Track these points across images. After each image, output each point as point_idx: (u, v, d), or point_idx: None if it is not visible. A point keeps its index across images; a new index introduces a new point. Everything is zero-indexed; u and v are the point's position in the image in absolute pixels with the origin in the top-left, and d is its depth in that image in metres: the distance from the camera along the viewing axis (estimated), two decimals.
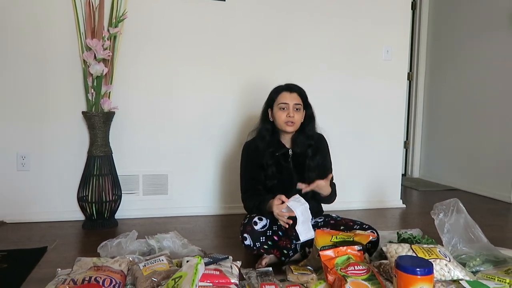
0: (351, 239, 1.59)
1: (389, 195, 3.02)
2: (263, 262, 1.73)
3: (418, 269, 1.22)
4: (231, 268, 1.46)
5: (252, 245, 1.73)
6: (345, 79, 2.88)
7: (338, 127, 2.84)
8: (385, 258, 1.56)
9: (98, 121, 2.35)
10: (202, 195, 2.72)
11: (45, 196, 2.47)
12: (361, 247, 1.55)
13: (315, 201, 1.88)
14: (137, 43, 2.54)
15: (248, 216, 1.84)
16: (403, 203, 3.04)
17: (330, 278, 1.42)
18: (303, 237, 1.68)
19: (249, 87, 2.70)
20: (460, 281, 1.39)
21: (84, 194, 2.36)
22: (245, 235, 1.74)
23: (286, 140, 1.95)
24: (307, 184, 1.78)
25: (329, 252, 1.51)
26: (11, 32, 2.38)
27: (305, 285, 1.49)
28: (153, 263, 1.50)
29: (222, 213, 2.71)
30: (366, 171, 2.96)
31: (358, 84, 2.90)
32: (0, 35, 2.37)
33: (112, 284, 1.37)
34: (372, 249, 1.74)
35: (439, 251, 1.49)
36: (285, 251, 1.74)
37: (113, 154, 2.45)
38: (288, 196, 1.74)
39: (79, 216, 2.46)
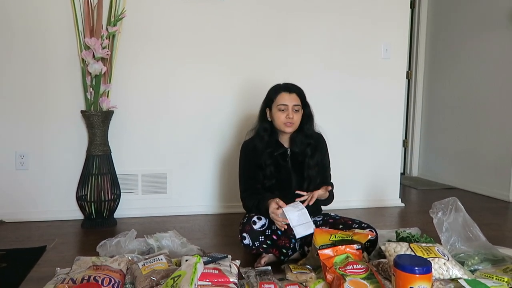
0: (350, 238, 1.59)
1: (388, 194, 3.02)
2: (262, 261, 1.73)
3: (416, 268, 1.22)
4: (230, 267, 1.47)
5: (251, 244, 1.73)
6: (344, 78, 2.87)
7: (337, 126, 2.85)
8: (384, 257, 1.56)
9: (97, 120, 2.35)
10: (201, 194, 2.72)
11: (44, 195, 2.47)
12: (360, 246, 1.56)
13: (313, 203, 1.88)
14: (136, 42, 2.53)
15: (247, 215, 1.84)
16: (401, 202, 3.05)
17: (329, 277, 1.42)
18: (299, 234, 1.68)
19: (248, 86, 2.70)
20: (458, 280, 1.39)
21: (83, 193, 2.36)
22: (244, 234, 1.74)
23: (285, 140, 1.94)
24: (306, 192, 1.79)
25: (328, 251, 1.51)
26: (9, 31, 2.37)
27: (304, 284, 1.49)
28: (152, 262, 1.50)
29: (221, 212, 2.71)
30: (364, 170, 2.96)
31: (357, 83, 2.90)
32: None
33: (111, 283, 1.37)
34: (370, 248, 1.75)
35: (437, 250, 1.49)
36: (284, 250, 1.75)
37: (112, 153, 2.45)
38: (287, 197, 1.74)
39: (78, 215, 2.46)
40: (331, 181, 2.02)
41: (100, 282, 1.35)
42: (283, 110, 1.85)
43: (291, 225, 1.68)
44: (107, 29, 2.35)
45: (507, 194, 3.17)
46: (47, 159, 2.47)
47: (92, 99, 2.36)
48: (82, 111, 2.40)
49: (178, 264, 1.54)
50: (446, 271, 1.43)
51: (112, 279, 1.39)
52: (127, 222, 2.45)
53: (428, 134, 4.20)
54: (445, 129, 3.92)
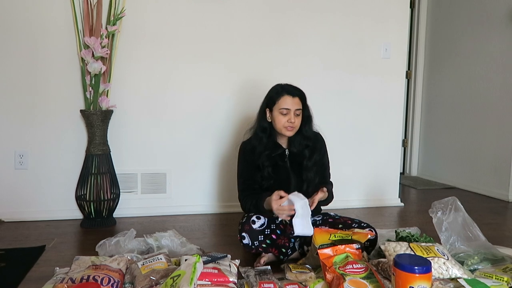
0: (350, 238, 1.59)
1: (388, 194, 3.02)
2: (262, 261, 1.73)
3: (416, 267, 1.22)
4: (230, 267, 1.46)
5: (250, 244, 1.73)
6: (343, 77, 2.87)
7: (336, 125, 2.85)
8: (384, 256, 1.56)
9: (96, 119, 2.35)
10: (201, 193, 2.71)
11: (43, 195, 2.47)
12: (359, 246, 1.56)
13: None
14: (136, 41, 2.53)
15: (246, 215, 1.84)
16: (401, 201, 3.05)
17: (329, 276, 1.42)
18: (298, 230, 1.66)
19: (248, 85, 2.69)
20: (458, 280, 1.39)
21: (82, 193, 2.36)
22: (244, 234, 1.74)
23: (283, 140, 1.94)
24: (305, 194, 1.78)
25: (328, 251, 1.51)
26: (8, 30, 2.37)
27: (303, 283, 1.49)
28: (151, 261, 1.50)
29: (220, 211, 2.71)
30: (364, 169, 2.96)
31: (356, 82, 2.89)
32: None
33: (111, 283, 1.37)
34: (370, 247, 1.75)
35: (437, 249, 1.49)
36: (283, 250, 1.74)
37: (111, 153, 2.44)
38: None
39: (77, 214, 2.46)
40: (331, 180, 2.02)
41: (99, 282, 1.34)
42: (285, 114, 1.84)
43: (296, 211, 1.64)
44: (106, 28, 2.35)
45: (506, 193, 3.18)
46: (46, 159, 2.46)
47: (91, 98, 2.36)
48: (81, 111, 2.40)
49: (178, 264, 1.53)
50: (446, 270, 1.43)
51: (111, 278, 1.38)
52: (127, 221, 2.45)
53: (427, 133, 4.20)
54: (445, 129, 3.92)
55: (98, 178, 2.36)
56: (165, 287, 1.26)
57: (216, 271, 1.38)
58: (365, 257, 1.60)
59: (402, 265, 1.24)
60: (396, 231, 1.88)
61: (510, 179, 3.15)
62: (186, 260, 1.36)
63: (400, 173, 3.17)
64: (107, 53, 2.33)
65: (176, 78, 2.62)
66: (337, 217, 1.91)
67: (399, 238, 1.81)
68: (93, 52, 2.30)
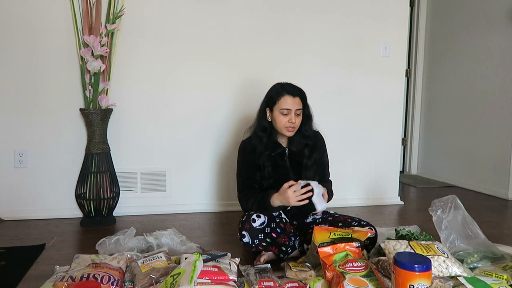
0: (349, 236, 1.59)
1: (387, 192, 3.02)
2: (262, 259, 1.73)
3: (416, 266, 1.22)
4: (230, 265, 1.46)
5: (250, 243, 1.73)
6: (343, 75, 2.87)
7: (336, 123, 2.85)
8: (383, 254, 1.56)
9: (96, 118, 2.35)
10: (201, 192, 2.72)
11: (42, 193, 2.47)
12: (359, 244, 1.56)
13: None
14: (135, 39, 2.53)
15: (246, 213, 1.83)
16: (401, 200, 3.05)
17: (329, 274, 1.42)
18: (321, 207, 1.71)
19: (248, 84, 2.69)
20: (458, 278, 1.40)
21: (82, 191, 2.36)
22: (244, 232, 1.74)
23: (283, 139, 1.93)
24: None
25: (327, 249, 1.51)
26: (8, 29, 2.37)
27: (303, 281, 1.49)
28: (151, 260, 1.50)
29: (220, 210, 2.71)
30: (364, 168, 2.96)
31: (356, 81, 2.89)
32: None
33: (111, 281, 1.37)
34: (370, 245, 1.75)
35: (437, 247, 1.49)
36: (283, 248, 1.75)
37: (111, 151, 2.44)
38: None
39: (77, 213, 2.46)
40: (330, 178, 2.02)
41: (99, 280, 1.34)
42: (285, 114, 1.83)
43: (313, 190, 1.69)
44: (106, 26, 2.35)
45: (506, 192, 3.18)
46: (46, 157, 2.46)
47: (91, 97, 2.36)
48: (81, 109, 2.39)
49: (178, 262, 1.54)
50: (446, 268, 1.43)
51: (111, 277, 1.38)
52: (126, 220, 2.45)
53: (427, 132, 4.20)
54: (444, 127, 3.92)
55: (98, 177, 2.36)
56: (165, 285, 1.26)
57: (216, 269, 1.38)
58: (365, 255, 1.60)
59: (402, 263, 1.24)
60: (396, 230, 1.89)
61: (510, 178, 3.16)
62: (186, 258, 1.36)
63: (400, 172, 3.18)
64: (106, 52, 2.33)
65: (176, 76, 2.62)
66: (337, 215, 1.91)
67: (399, 237, 1.81)
68: (92, 51, 2.30)
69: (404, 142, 4.35)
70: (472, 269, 1.56)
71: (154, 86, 2.59)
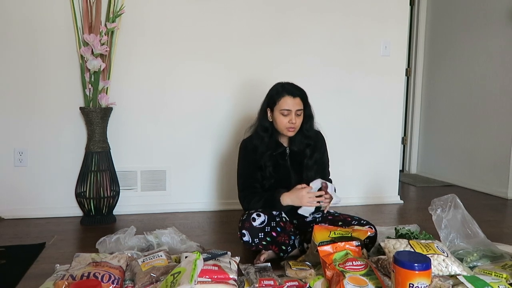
0: (349, 235, 1.59)
1: (387, 191, 3.02)
2: (262, 258, 1.73)
3: (416, 264, 1.22)
4: (230, 264, 1.47)
5: (250, 241, 1.73)
6: (343, 75, 2.87)
7: (336, 123, 2.85)
8: (383, 253, 1.57)
9: (96, 116, 2.35)
10: (201, 191, 2.72)
11: (42, 192, 2.47)
12: (359, 243, 1.56)
13: None
14: (135, 38, 2.53)
15: (246, 212, 1.83)
16: (400, 199, 3.05)
17: (329, 273, 1.42)
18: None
19: (248, 84, 2.69)
20: (457, 276, 1.40)
21: (82, 190, 2.36)
22: (244, 231, 1.74)
23: (284, 139, 1.93)
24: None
25: (327, 248, 1.51)
26: (7, 28, 2.36)
27: (303, 280, 1.49)
28: (151, 258, 1.50)
29: (220, 209, 2.71)
30: (363, 167, 2.97)
31: (356, 80, 2.89)
32: None
33: (111, 280, 1.37)
34: (370, 244, 1.75)
35: (436, 246, 1.49)
36: (283, 247, 1.75)
37: (111, 150, 2.44)
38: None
39: (77, 212, 2.46)
40: (330, 177, 2.02)
41: (99, 279, 1.35)
42: (286, 115, 1.82)
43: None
44: (106, 25, 2.35)
45: (505, 191, 3.18)
46: (46, 156, 2.46)
47: (91, 95, 2.36)
48: (81, 108, 2.39)
49: (178, 261, 1.54)
50: (445, 267, 1.43)
51: (111, 275, 1.39)
52: (127, 219, 2.45)
53: (427, 131, 4.21)
54: (444, 127, 3.93)
55: (98, 176, 2.36)
56: (165, 284, 1.27)
57: (216, 268, 1.38)
58: (365, 254, 1.60)
59: (402, 262, 1.24)
60: (395, 229, 1.89)
61: (509, 177, 3.16)
62: (186, 257, 1.36)
63: (400, 171, 3.18)
64: (106, 50, 2.33)
65: (176, 75, 2.62)
66: (336, 214, 1.91)
67: (399, 235, 1.81)
68: (92, 49, 2.30)
69: (404, 141, 4.35)
70: (471, 268, 1.57)
71: (154, 85, 2.59)
